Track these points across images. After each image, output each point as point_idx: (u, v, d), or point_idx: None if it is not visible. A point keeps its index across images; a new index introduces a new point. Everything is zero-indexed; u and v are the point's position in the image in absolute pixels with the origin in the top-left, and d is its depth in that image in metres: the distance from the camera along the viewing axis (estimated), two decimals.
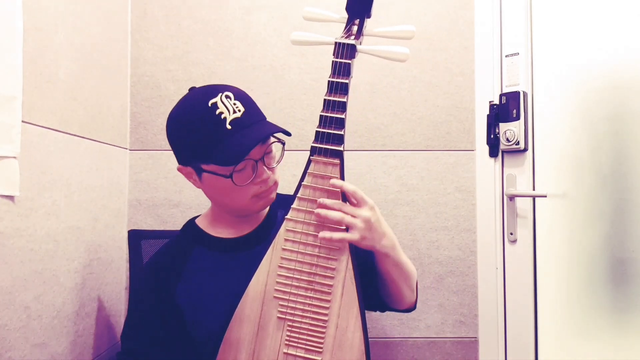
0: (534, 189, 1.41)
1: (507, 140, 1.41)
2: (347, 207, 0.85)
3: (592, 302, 1.31)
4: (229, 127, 0.87)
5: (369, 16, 0.96)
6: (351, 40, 0.90)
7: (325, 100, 0.88)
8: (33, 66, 1.01)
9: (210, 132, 0.87)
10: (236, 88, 0.93)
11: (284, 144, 0.96)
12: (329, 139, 0.87)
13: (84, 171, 1.22)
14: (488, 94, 1.48)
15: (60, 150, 1.12)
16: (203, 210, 1.48)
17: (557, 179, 1.38)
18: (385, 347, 1.49)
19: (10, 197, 0.94)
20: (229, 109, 0.88)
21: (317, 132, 0.88)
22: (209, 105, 0.87)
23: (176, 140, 0.93)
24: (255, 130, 0.89)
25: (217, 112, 0.87)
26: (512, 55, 1.44)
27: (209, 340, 0.90)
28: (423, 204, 1.51)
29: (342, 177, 0.87)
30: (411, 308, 1.03)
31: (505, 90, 1.45)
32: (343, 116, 0.87)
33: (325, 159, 0.87)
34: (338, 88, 0.88)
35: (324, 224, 0.86)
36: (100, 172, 1.31)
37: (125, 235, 1.42)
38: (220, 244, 0.97)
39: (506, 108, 1.42)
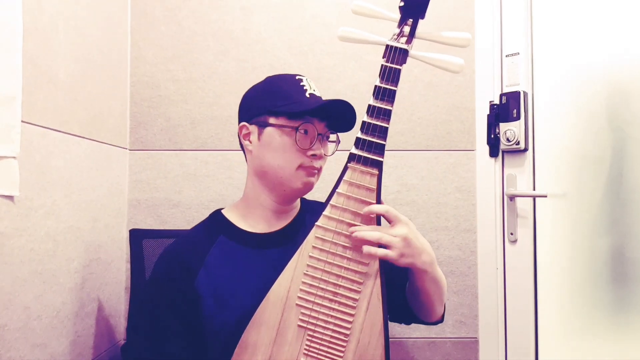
0: (534, 189, 1.41)
1: (508, 140, 1.41)
2: (382, 228, 0.84)
3: (593, 302, 1.31)
4: (307, 95, 0.94)
5: (423, 17, 0.91)
6: (403, 45, 0.88)
7: (370, 106, 0.86)
8: (33, 66, 1.01)
9: (290, 92, 0.94)
10: None
11: (339, 141, 1.00)
12: (371, 148, 0.85)
13: (84, 171, 1.22)
14: (488, 94, 1.48)
15: (60, 150, 1.12)
16: (203, 210, 1.49)
17: (558, 179, 1.38)
18: None
19: (10, 197, 0.94)
20: (311, 87, 0.96)
21: (357, 138, 0.86)
22: (296, 78, 0.96)
23: (251, 99, 0.99)
24: (339, 104, 0.92)
25: (301, 83, 0.95)
26: (512, 55, 1.44)
27: (222, 334, 0.87)
28: (423, 204, 1.50)
29: (378, 189, 0.86)
30: (439, 321, 1.01)
31: (505, 90, 1.45)
32: (387, 125, 0.85)
33: (363, 168, 0.85)
34: (386, 95, 0.86)
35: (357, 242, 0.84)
36: (100, 172, 1.31)
37: (125, 235, 1.42)
38: (245, 237, 0.95)
39: (506, 108, 1.42)
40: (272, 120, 0.92)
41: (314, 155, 0.92)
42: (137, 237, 1.30)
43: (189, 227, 1.03)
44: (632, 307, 1.24)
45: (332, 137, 1.00)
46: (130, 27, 1.51)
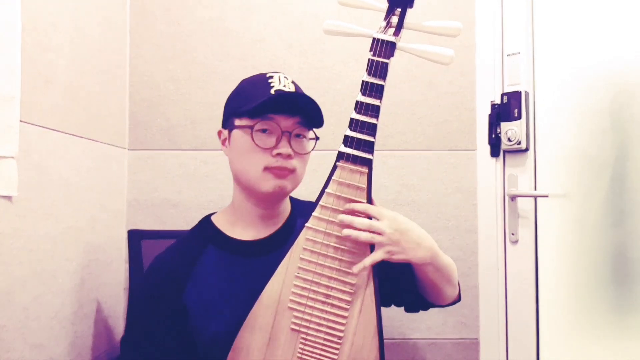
0: (535, 189, 1.41)
1: (509, 140, 1.41)
2: (374, 223, 0.82)
3: (594, 302, 1.30)
4: (272, 92, 0.89)
5: (411, 6, 0.87)
6: (391, 37, 0.84)
7: (357, 102, 0.83)
8: (31, 66, 1.01)
9: (254, 91, 0.90)
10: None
11: (317, 138, 0.93)
12: (359, 145, 0.83)
13: (83, 171, 1.22)
14: (489, 94, 1.47)
15: (59, 150, 1.11)
16: (202, 211, 1.49)
17: (559, 179, 1.38)
18: (385, 348, 1.48)
19: (8, 198, 0.94)
20: (280, 82, 0.91)
21: (346, 136, 0.83)
22: (266, 76, 0.93)
23: (225, 104, 0.97)
24: (292, 96, 0.88)
25: (269, 80, 0.91)
26: (513, 54, 1.43)
27: (214, 343, 0.87)
28: (424, 204, 1.50)
29: (369, 187, 0.84)
30: (455, 301, 0.99)
31: (506, 90, 1.44)
32: (376, 121, 0.82)
33: (352, 166, 0.83)
34: (373, 90, 0.83)
35: (347, 239, 0.83)
36: (98, 172, 1.31)
37: (124, 235, 1.41)
38: (234, 246, 0.93)
39: (507, 108, 1.42)
40: (237, 121, 0.90)
41: (279, 154, 0.86)
42: (136, 238, 1.30)
43: (187, 228, 1.02)
44: (634, 307, 1.23)
45: (312, 134, 0.95)
46: (130, 27, 1.50)
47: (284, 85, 0.90)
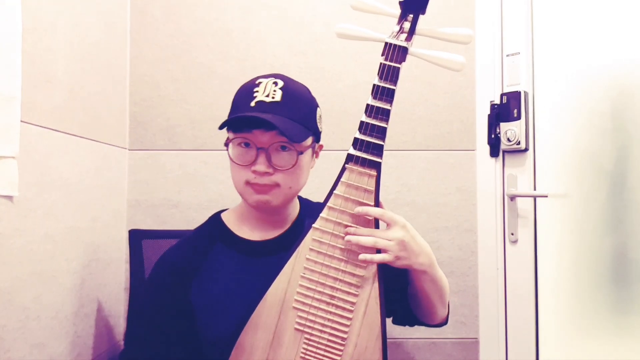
0: (535, 189, 1.41)
1: (508, 140, 1.41)
2: (378, 231, 0.83)
3: (594, 302, 1.30)
4: (252, 104, 0.85)
5: (423, 13, 0.88)
6: (403, 42, 0.85)
7: (368, 105, 0.83)
8: (32, 66, 1.01)
9: (239, 103, 0.88)
10: (297, 83, 0.92)
11: (299, 152, 0.86)
12: (369, 148, 0.83)
13: (83, 171, 1.22)
14: (489, 94, 1.47)
15: (59, 150, 1.11)
16: (202, 211, 1.49)
17: (558, 179, 1.38)
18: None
19: (9, 197, 0.94)
20: (265, 92, 0.86)
21: (355, 139, 0.83)
22: (256, 82, 0.88)
23: None
24: (264, 116, 0.83)
25: (255, 89, 0.87)
26: (513, 54, 1.43)
27: (218, 343, 0.87)
28: (423, 204, 1.50)
29: (377, 190, 0.84)
30: (443, 323, 1.00)
31: (506, 90, 1.45)
32: (386, 125, 0.83)
33: (361, 169, 0.83)
34: (384, 94, 0.84)
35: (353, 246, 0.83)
36: (99, 172, 1.31)
37: (125, 235, 1.41)
38: (242, 245, 0.93)
39: (507, 108, 1.42)
40: (228, 133, 0.89)
41: (254, 170, 0.85)
42: (137, 238, 1.30)
43: (188, 228, 1.03)
44: (633, 307, 1.23)
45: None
46: (130, 27, 1.50)
47: (267, 95, 0.86)
